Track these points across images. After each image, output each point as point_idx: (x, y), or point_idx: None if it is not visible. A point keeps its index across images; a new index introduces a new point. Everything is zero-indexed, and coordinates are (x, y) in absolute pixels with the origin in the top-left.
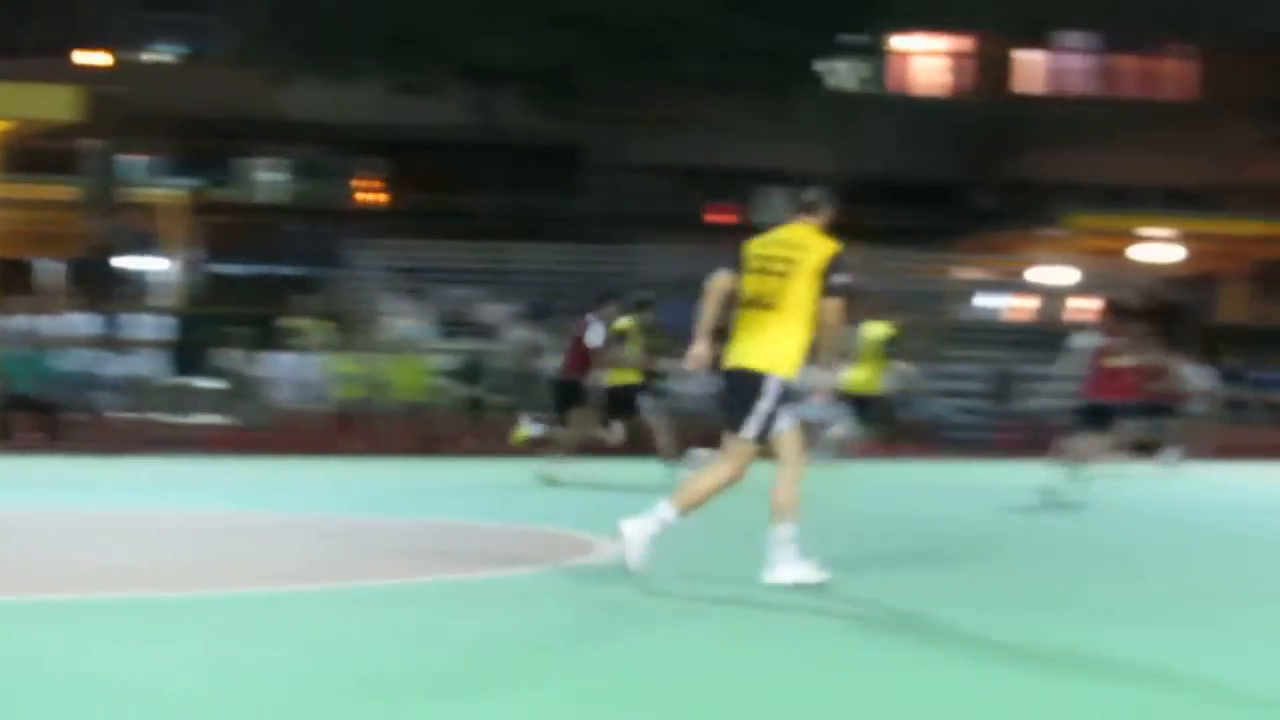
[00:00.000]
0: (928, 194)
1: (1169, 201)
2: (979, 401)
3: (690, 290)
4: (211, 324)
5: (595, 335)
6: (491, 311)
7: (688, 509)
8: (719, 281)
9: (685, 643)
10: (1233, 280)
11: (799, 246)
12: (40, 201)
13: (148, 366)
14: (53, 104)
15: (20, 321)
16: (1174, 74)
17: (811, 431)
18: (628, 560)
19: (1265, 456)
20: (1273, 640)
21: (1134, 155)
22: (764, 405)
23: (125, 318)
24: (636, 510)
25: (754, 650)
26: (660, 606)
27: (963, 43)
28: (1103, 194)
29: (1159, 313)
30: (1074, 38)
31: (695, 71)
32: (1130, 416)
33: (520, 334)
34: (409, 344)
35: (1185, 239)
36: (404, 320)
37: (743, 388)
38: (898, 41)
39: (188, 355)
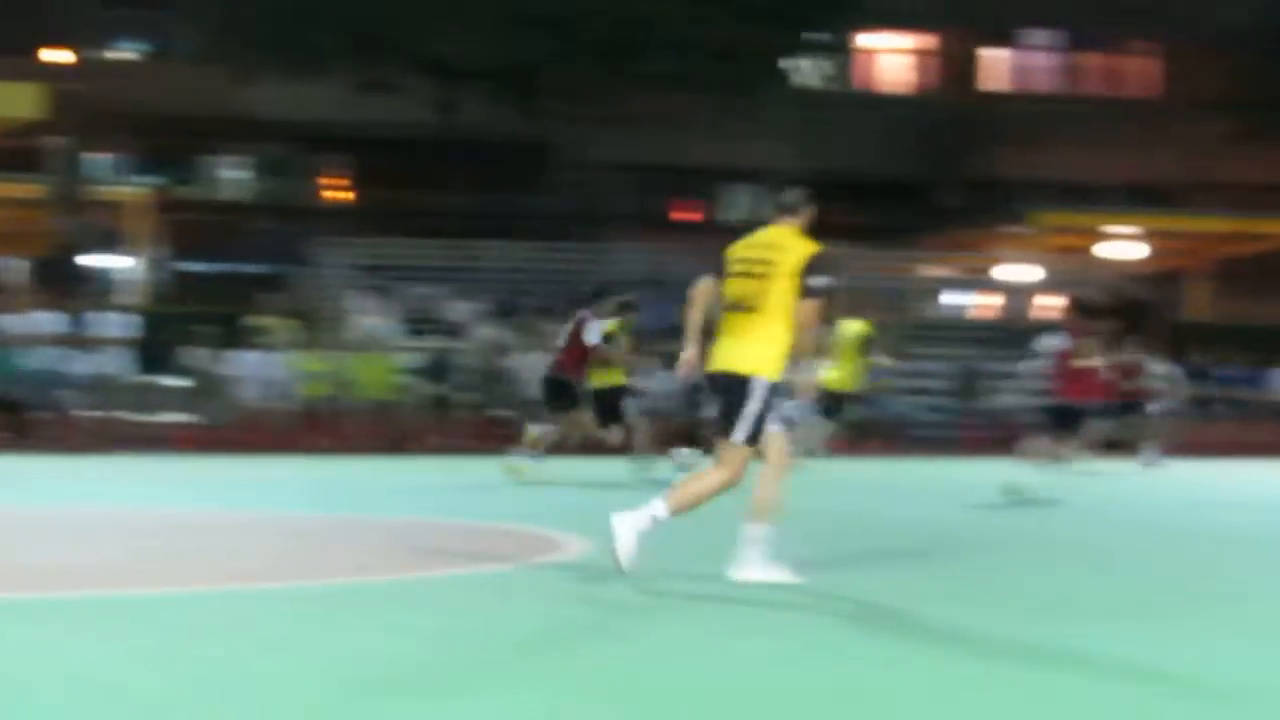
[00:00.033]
0: (893, 192)
1: (1134, 199)
2: (944, 399)
3: (656, 288)
4: (177, 322)
5: (594, 333)
6: (457, 309)
7: (680, 510)
8: (701, 287)
9: (661, 639)
10: (1197, 277)
11: (778, 248)
12: (5, 199)
13: (114, 365)
14: (17, 102)
15: None
16: (1139, 72)
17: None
18: (618, 555)
19: (1230, 453)
20: (1239, 635)
21: (1099, 153)
22: (752, 408)
23: (91, 316)
24: (601, 508)
25: (729, 647)
26: (633, 603)
27: (928, 40)
28: (1068, 191)
29: (1125, 310)
30: (1039, 35)
31: (661, 69)
32: (1099, 416)
33: (487, 332)
34: (375, 342)
35: (1150, 236)
36: (370, 318)
37: (729, 391)
38: (863, 39)
39: (154, 353)
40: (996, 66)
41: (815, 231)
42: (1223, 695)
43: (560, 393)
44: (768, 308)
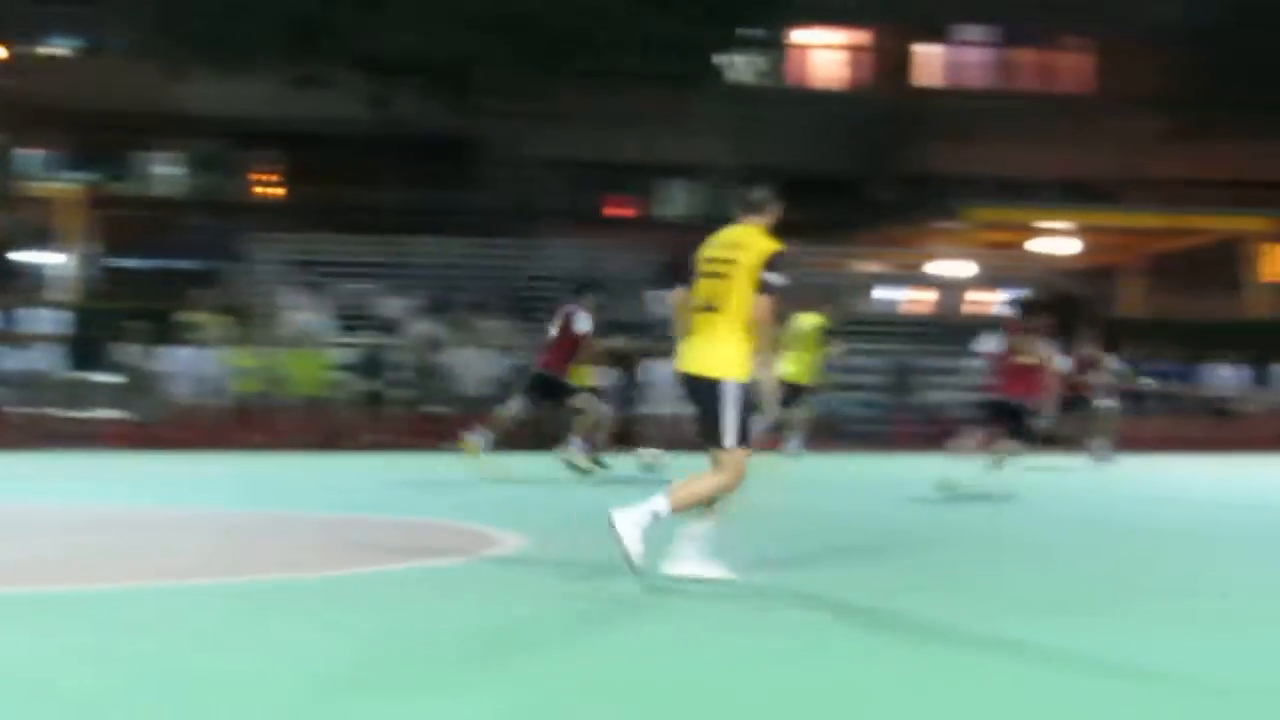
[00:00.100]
0: (826, 187)
1: (1067, 194)
2: (877, 395)
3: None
4: (109, 318)
5: (584, 324)
6: (390, 306)
7: (681, 508)
8: (676, 297)
9: (610, 636)
10: (1130, 273)
11: (739, 247)
12: None
13: (45, 361)
14: None
15: None
16: (1072, 68)
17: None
18: (628, 553)
19: (1163, 448)
20: (1180, 628)
21: (1032, 148)
22: (731, 412)
23: (22, 312)
24: (536, 503)
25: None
26: (579, 599)
27: (862, 36)
28: (1001, 187)
29: (1058, 306)
30: (972, 31)
31: (594, 65)
32: (1039, 414)
33: (421, 328)
34: (308, 338)
35: (1083, 232)
36: (302, 314)
37: (700, 395)
38: (797, 35)
39: (85, 350)
40: (930, 62)
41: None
42: (1171, 684)
43: (551, 389)
44: (730, 307)
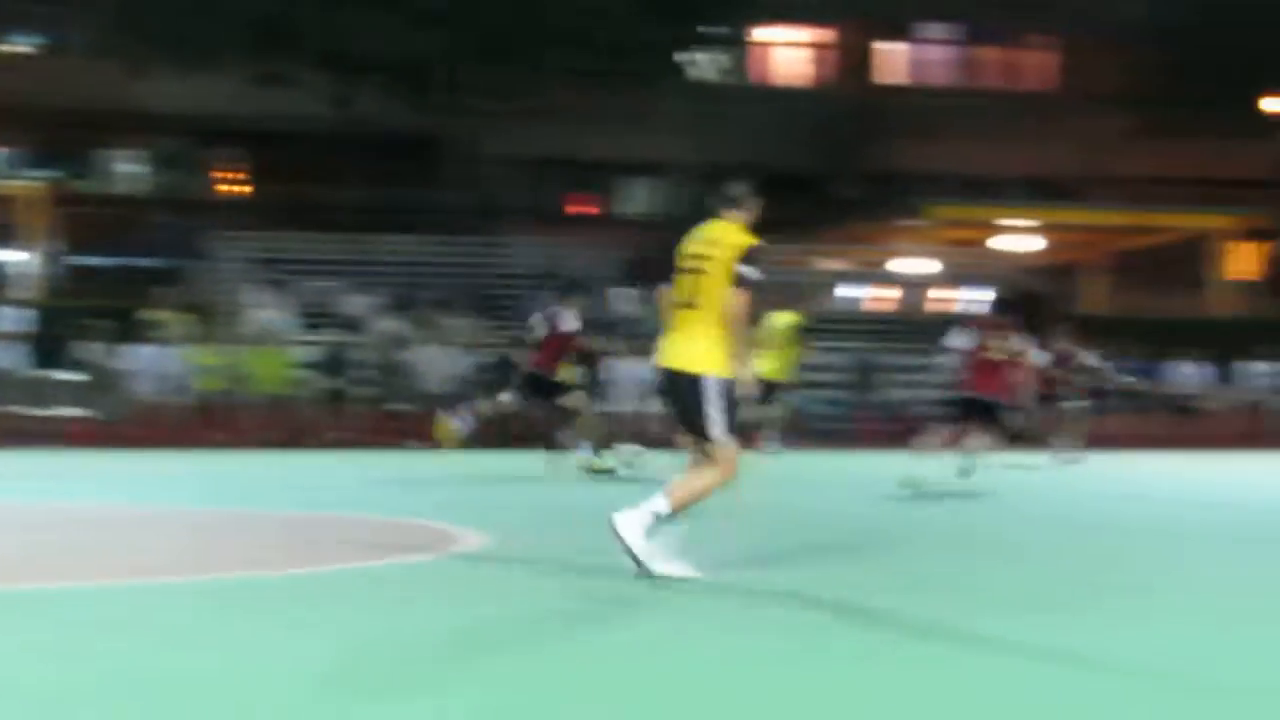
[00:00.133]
0: (790, 185)
1: (1030, 192)
2: (840, 392)
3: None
4: (72, 316)
5: (571, 323)
6: (354, 303)
7: (680, 506)
8: (661, 296)
9: (574, 635)
10: (1093, 270)
11: (716, 242)
12: None
13: (7, 359)
14: None
15: None
16: (1035, 65)
17: None
18: (638, 558)
19: (1127, 446)
20: (1144, 623)
21: (995, 146)
22: (716, 406)
23: None
24: (496, 501)
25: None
26: (541, 596)
27: (824, 34)
28: (965, 184)
29: (1023, 304)
30: (935, 29)
31: (557, 63)
32: (1009, 411)
33: (385, 326)
34: (271, 336)
35: (1046, 229)
36: (266, 312)
37: (680, 391)
38: (759, 33)
39: (48, 348)
40: (894, 60)
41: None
42: (1142, 679)
43: (542, 388)
44: (708, 304)
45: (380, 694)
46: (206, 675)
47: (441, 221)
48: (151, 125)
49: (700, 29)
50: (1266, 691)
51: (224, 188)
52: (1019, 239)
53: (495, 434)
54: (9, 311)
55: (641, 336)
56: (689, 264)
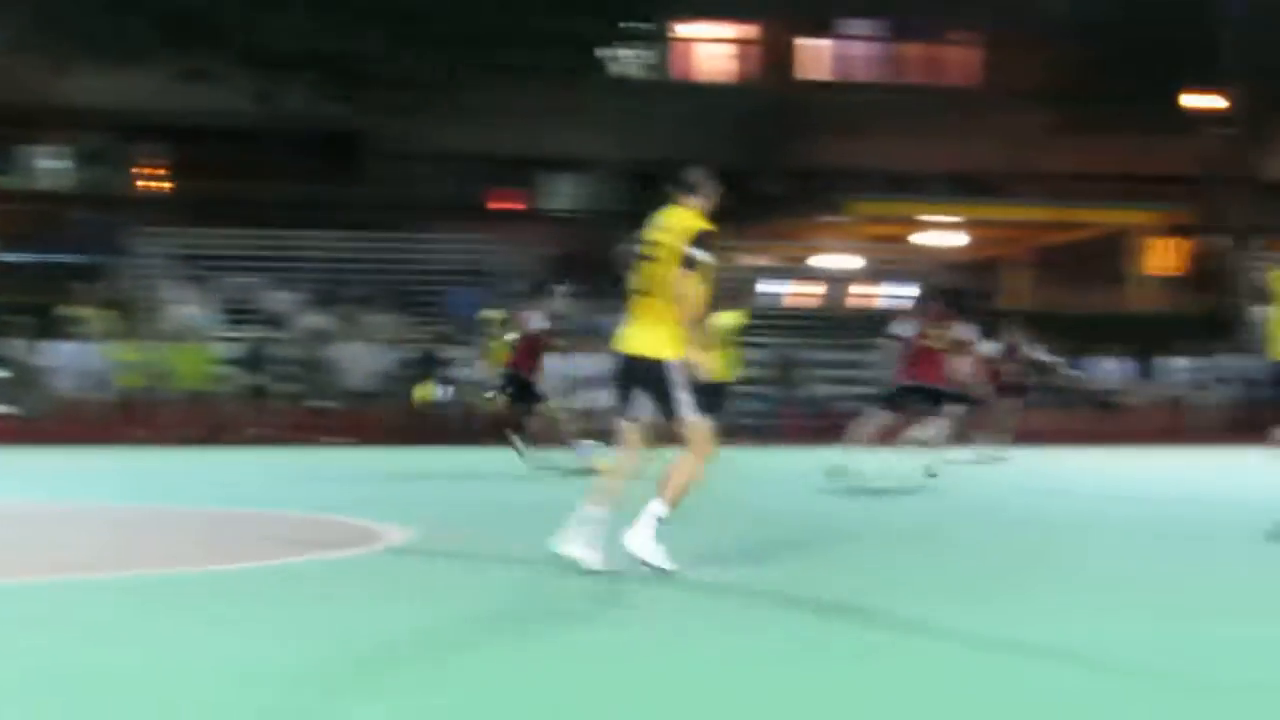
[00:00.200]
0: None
1: (953, 188)
2: (763, 388)
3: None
4: None
5: (537, 322)
6: (276, 299)
7: (676, 501)
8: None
9: (498, 628)
10: (1016, 266)
11: (669, 229)
12: None
13: None
14: None
15: None
16: (958, 61)
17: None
18: (657, 567)
19: (1050, 441)
20: (1077, 612)
21: (919, 142)
22: (680, 388)
23: None
24: (420, 498)
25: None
26: (457, 591)
27: (747, 30)
28: (888, 180)
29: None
30: (859, 25)
31: (479, 58)
32: (950, 400)
33: (309, 321)
34: (192, 332)
35: (969, 225)
36: (187, 308)
37: (643, 377)
38: (682, 29)
39: None
40: (817, 56)
41: (635, 220)
42: (1068, 661)
43: (523, 388)
44: (666, 290)
45: (302, 689)
46: (128, 671)
47: (364, 217)
48: (74, 121)
49: (623, 24)
50: (1165, 676)
51: (146, 184)
52: (942, 235)
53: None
54: None
55: (573, 333)
56: (645, 251)
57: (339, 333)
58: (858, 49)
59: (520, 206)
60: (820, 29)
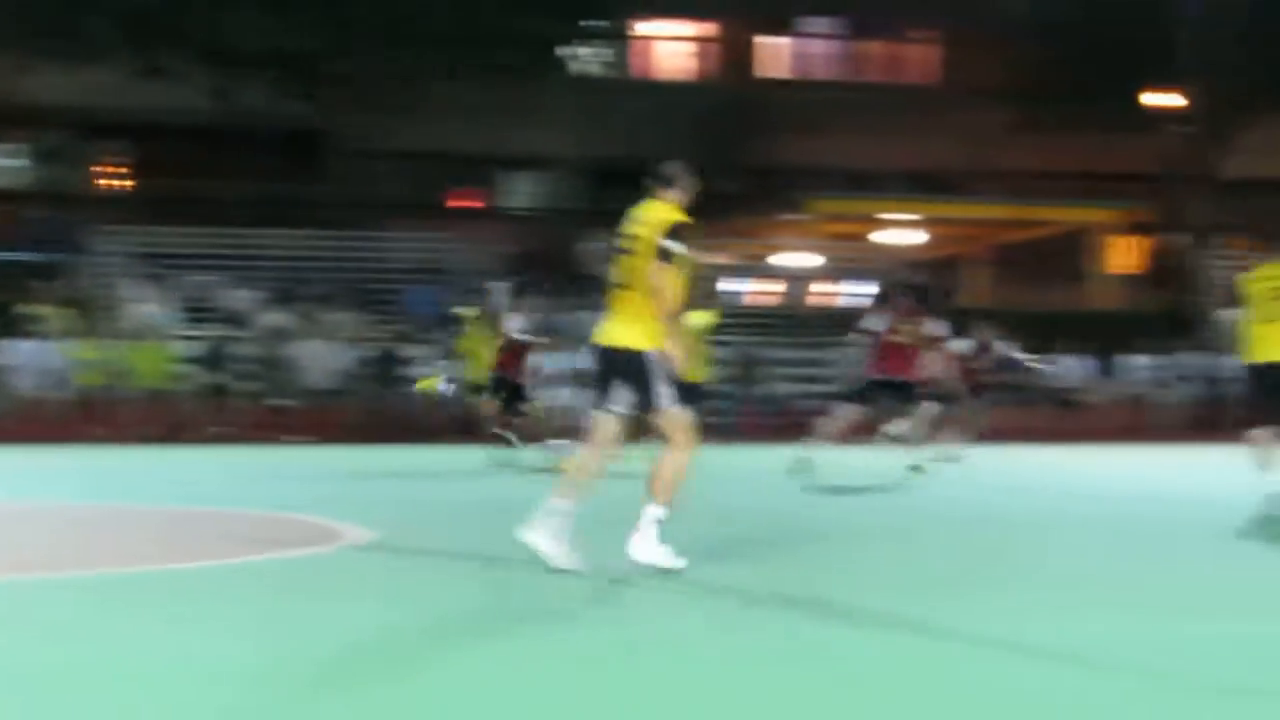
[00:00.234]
0: None
1: (912, 186)
2: (724, 386)
3: (434, 276)
4: None
5: (514, 323)
6: (235, 298)
7: (669, 498)
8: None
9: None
10: (975, 263)
11: (645, 222)
12: None
13: None
14: None
15: None
16: (918, 60)
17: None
18: (667, 567)
19: (1010, 439)
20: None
21: (878, 140)
22: (659, 378)
23: None
24: (385, 499)
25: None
26: (418, 589)
27: (707, 28)
28: (847, 179)
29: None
30: (818, 23)
31: (439, 57)
32: (917, 396)
33: (269, 320)
34: (152, 330)
35: (928, 223)
36: (147, 307)
37: (623, 368)
38: (642, 27)
39: None
40: (776, 54)
41: (595, 218)
42: (1030, 655)
43: (513, 390)
44: (643, 283)
45: (263, 687)
46: (87, 670)
47: (324, 215)
48: (33, 119)
49: (583, 23)
50: (1127, 671)
51: (106, 181)
52: (901, 233)
53: (374, 429)
54: None
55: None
56: (623, 245)
57: (299, 331)
58: (817, 47)
59: (479, 205)
60: (780, 27)
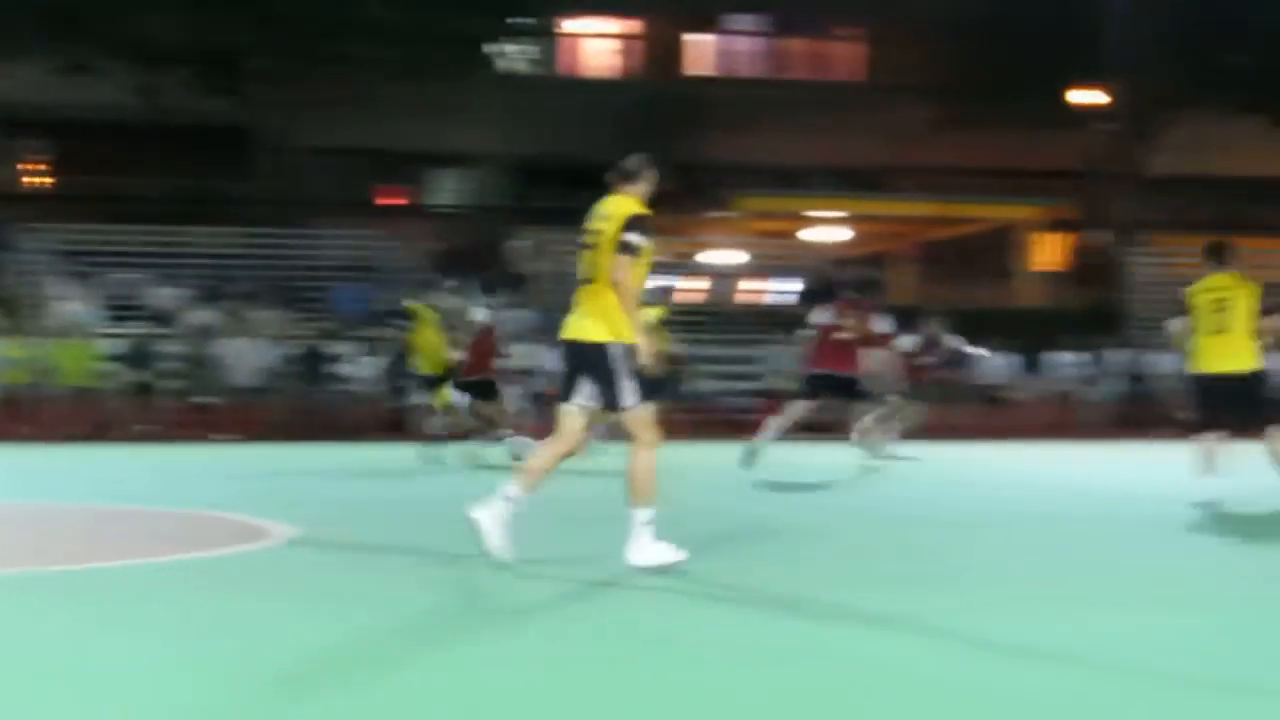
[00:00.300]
0: (598, 176)
1: (839, 183)
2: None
3: (362, 273)
4: None
5: (479, 315)
6: (161, 295)
7: (647, 498)
8: None
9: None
10: (901, 260)
11: (608, 217)
12: None
13: None
14: None
15: None
16: (843, 57)
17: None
18: (669, 565)
19: (936, 436)
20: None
21: (804, 137)
22: (622, 373)
23: None
24: (308, 496)
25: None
26: (340, 586)
27: (633, 25)
28: (774, 176)
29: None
30: (744, 20)
31: (366, 53)
32: (861, 391)
33: (195, 317)
34: (76, 328)
35: (854, 220)
36: (71, 304)
37: (585, 361)
38: (569, 24)
39: None
40: (702, 51)
41: (521, 215)
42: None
43: (488, 388)
44: (601, 278)
45: (187, 686)
46: (6, 671)
47: (250, 213)
48: None
49: (510, 20)
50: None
51: (29, 179)
52: (828, 230)
53: (301, 427)
54: None
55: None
56: (586, 240)
57: (224, 329)
58: (743, 44)
59: (406, 202)
60: (706, 24)
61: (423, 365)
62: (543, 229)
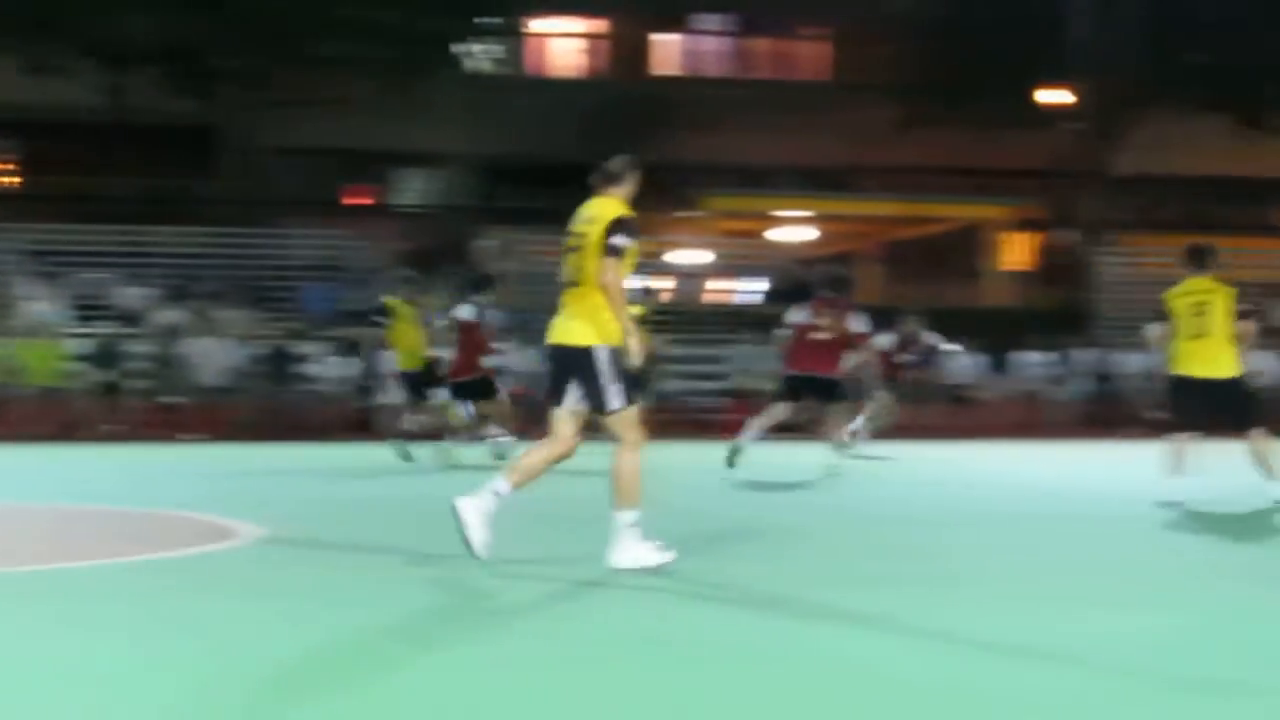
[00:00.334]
0: (564, 176)
1: (805, 183)
2: None
3: (329, 273)
4: None
5: (465, 312)
6: (128, 295)
7: (631, 500)
8: None
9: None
10: (867, 260)
11: (593, 219)
12: None
13: None
14: None
15: None
16: (809, 56)
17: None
18: (659, 564)
19: (903, 436)
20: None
21: (771, 137)
22: (608, 376)
23: None
24: (277, 496)
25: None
26: (309, 585)
27: (599, 25)
28: (740, 176)
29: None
30: (710, 20)
31: (332, 53)
32: (838, 391)
33: (163, 317)
34: (43, 328)
35: (821, 220)
36: (38, 304)
37: (572, 364)
38: (535, 24)
39: None
40: (668, 51)
41: (487, 215)
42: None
43: (485, 386)
44: (587, 280)
45: (155, 687)
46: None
47: (217, 212)
48: None
49: (476, 20)
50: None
51: None
52: (795, 230)
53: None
54: None
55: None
56: (570, 243)
57: (191, 328)
58: (709, 44)
59: (373, 202)
60: (672, 24)
61: (402, 362)
62: (509, 228)
